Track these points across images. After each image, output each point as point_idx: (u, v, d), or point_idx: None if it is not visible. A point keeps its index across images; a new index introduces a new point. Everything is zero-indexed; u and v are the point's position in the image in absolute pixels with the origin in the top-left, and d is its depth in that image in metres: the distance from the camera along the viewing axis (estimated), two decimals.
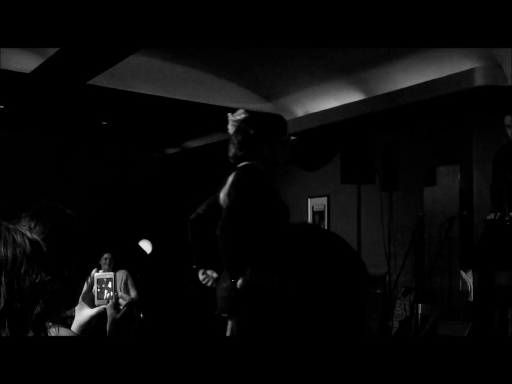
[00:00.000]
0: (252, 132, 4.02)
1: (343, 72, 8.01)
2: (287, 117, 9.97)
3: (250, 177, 3.95)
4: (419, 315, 6.86)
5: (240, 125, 4.13)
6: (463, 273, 7.22)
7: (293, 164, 9.96)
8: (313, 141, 9.72)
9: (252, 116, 4.27)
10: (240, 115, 4.24)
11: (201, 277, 4.08)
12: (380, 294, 8.24)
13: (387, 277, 8.31)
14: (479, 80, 6.84)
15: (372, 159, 8.04)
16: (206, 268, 4.09)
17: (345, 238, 1.50)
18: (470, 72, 6.93)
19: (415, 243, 6.89)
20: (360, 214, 8.22)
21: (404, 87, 7.45)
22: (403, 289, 7.61)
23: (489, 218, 5.90)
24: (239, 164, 4.10)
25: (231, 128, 4.22)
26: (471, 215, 7.24)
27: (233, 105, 9.07)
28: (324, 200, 10.67)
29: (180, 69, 8.22)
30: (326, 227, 10.35)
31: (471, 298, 7.06)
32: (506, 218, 5.72)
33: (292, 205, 10.68)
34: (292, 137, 10.59)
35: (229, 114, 4.27)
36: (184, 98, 8.67)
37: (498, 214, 5.83)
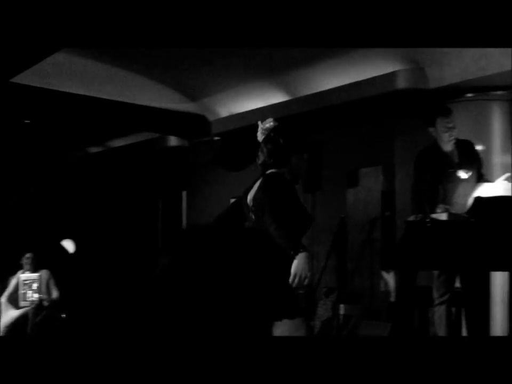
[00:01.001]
0: (281, 141, 4.16)
1: (268, 72, 7.95)
2: (211, 118, 9.96)
3: (278, 183, 4.10)
4: (341, 315, 6.82)
5: (270, 133, 4.28)
6: (384, 273, 7.21)
7: (216, 164, 9.88)
8: (237, 142, 9.66)
9: (281, 125, 4.39)
10: (269, 123, 4.38)
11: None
12: (302, 294, 8.18)
13: (310, 277, 8.25)
14: (401, 83, 6.84)
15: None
16: None
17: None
18: (393, 74, 6.93)
19: (337, 244, 6.86)
20: None
21: (327, 88, 7.41)
22: (325, 289, 7.59)
23: (410, 219, 5.87)
24: (267, 170, 4.26)
25: (260, 136, 4.36)
26: (393, 216, 7.24)
27: (157, 104, 8.93)
28: None
29: (104, 67, 8.05)
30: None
31: (393, 298, 7.05)
32: (427, 220, 5.69)
33: (215, 204, 10.72)
34: (216, 138, 10.52)
35: (259, 122, 4.41)
36: (108, 97, 8.51)
37: (420, 215, 5.80)
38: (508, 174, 6.10)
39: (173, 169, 11.53)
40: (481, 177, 6.05)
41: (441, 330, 6.01)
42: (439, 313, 6.04)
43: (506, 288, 6.12)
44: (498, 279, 5.92)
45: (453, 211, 5.68)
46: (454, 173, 5.92)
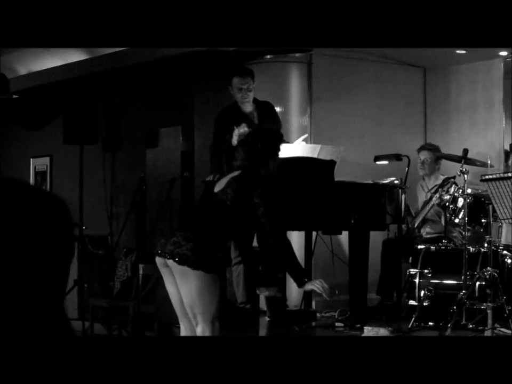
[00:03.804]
0: (260, 145, 4.18)
1: None
2: (10, 75, 9.28)
3: (257, 184, 4.09)
4: (140, 275, 6.57)
5: (247, 138, 4.38)
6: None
7: (14, 123, 9.28)
8: (35, 100, 9.15)
9: (259, 130, 4.75)
10: (244, 128, 4.92)
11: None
12: (102, 255, 7.89)
13: (109, 237, 7.98)
14: None
15: (94, 119, 7.64)
16: None
17: (67, 199, 1.42)
18: None
19: (136, 204, 6.55)
20: (82, 174, 7.82)
21: (124, 48, 7.01)
22: (125, 250, 7.33)
23: (208, 179, 5.69)
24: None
25: (235, 140, 4.71)
26: (192, 176, 7.08)
27: None
28: (46, 160, 10.13)
29: None
30: (48, 187, 9.87)
31: None
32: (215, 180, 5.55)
33: (14, 164, 10.10)
34: (14, 96, 9.81)
35: (235, 127, 4.92)
36: None
37: (217, 175, 5.63)
38: (305, 136, 6.07)
39: None
40: None
41: (239, 289, 5.93)
42: (236, 273, 5.95)
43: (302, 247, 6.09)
44: (294, 238, 5.84)
45: None
46: None
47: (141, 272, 6.61)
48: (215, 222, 4.06)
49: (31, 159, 10.40)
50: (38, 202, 1.35)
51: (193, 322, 4.02)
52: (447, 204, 5.62)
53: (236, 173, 4.16)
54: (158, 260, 4.03)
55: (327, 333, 5.29)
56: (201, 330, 3.98)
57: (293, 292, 6.16)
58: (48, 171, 10.07)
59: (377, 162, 6.57)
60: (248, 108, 5.96)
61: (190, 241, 3.91)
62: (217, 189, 4.15)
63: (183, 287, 3.93)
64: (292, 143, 5.93)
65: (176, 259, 3.86)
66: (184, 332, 4.16)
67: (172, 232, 4.12)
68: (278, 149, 4.28)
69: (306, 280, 4.02)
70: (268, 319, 5.67)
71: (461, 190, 5.47)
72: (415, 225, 6.42)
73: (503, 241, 6.04)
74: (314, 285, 3.99)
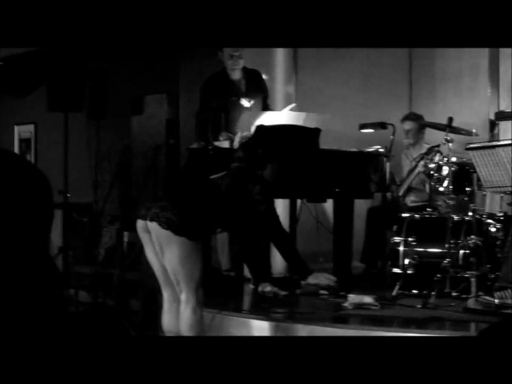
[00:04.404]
0: (260, 150, 4.25)
1: None
2: None
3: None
4: (125, 242, 6.55)
5: (249, 141, 4.52)
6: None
7: (0, 90, 9.19)
8: (20, 67, 9.04)
9: (260, 134, 4.84)
10: (246, 132, 5.06)
11: None
12: (86, 222, 7.86)
13: (94, 205, 7.93)
14: None
15: (79, 86, 7.53)
16: None
17: (52, 167, 1.26)
18: None
19: (121, 171, 6.50)
20: (67, 142, 7.74)
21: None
22: (109, 217, 7.29)
23: (193, 147, 5.64)
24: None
25: (237, 143, 4.83)
26: (177, 144, 7.03)
27: None
28: (30, 127, 10.08)
29: None
30: (32, 155, 9.82)
31: None
32: (209, 147, 5.49)
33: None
34: None
35: (238, 132, 5.12)
36: None
37: (202, 143, 5.59)
38: (293, 105, 6.00)
39: None
40: (266, 107, 5.97)
41: (224, 256, 5.93)
42: (221, 240, 5.95)
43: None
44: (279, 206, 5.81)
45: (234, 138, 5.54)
46: (238, 101, 5.76)
47: (125, 239, 6.60)
48: (205, 202, 4.03)
49: (15, 126, 10.32)
50: (18, 171, 1.37)
51: (177, 290, 3.99)
52: (431, 172, 5.59)
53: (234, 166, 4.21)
54: (140, 223, 3.97)
55: (311, 301, 5.29)
56: (185, 297, 3.95)
57: (277, 259, 6.15)
58: (33, 138, 10.00)
59: (362, 131, 6.53)
60: (236, 75, 5.91)
61: (176, 207, 3.88)
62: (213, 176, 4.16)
63: (165, 254, 3.89)
64: (277, 110, 5.90)
65: (161, 222, 3.81)
66: (167, 299, 4.14)
67: (158, 197, 4.09)
68: (278, 155, 4.35)
69: (308, 273, 4.13)
70: (252, 286, 5.66)
71: (445, 159, 5.45)
72: (400, 194, 6.40)
73: (487, 209, 6.04)
74: (320, 278, 4.10)
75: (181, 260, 3.86)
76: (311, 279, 4.11)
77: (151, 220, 3.86)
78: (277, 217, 4.12)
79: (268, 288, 4.69)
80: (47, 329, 1.33)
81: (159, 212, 3.84)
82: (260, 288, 4.65)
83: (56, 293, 1.35)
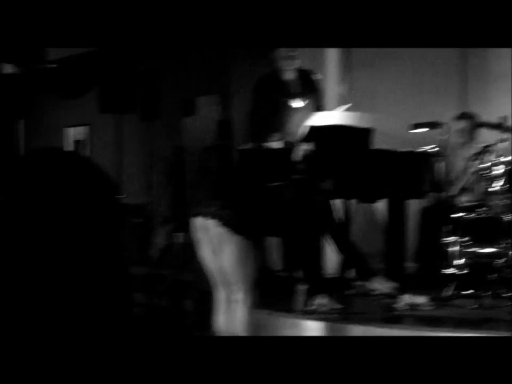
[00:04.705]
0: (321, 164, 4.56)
1: None
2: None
3: None
4: (179, 244, 6.61)
5: (311, 152, 4.74)
6: None
7: (51, 92, 9.32)
8: (73, 69, 9.16)
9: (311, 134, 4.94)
10: (309, 145, 4.99)
11: None
12: (140, 223, 7.95)
13: (148, 206, 8.02)
14: None
15: (132, 88, 7.62)
16: None
17: (107, 168, 1.47)
18: None
19: (173, 173, 6.56)
20: (121, 143, 7.85)
21: None
22: (162, 218, 7.36)
23: (243, 148, 5.66)
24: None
25: (299, 154, 4.80)
26: (230, 145, 7.05)
27: None
28: (85, 129, 10.23)
29: None
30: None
31: None
32: (262, 148, 5.51)
33: (48, 132, 10.16)
34: (51, 65, 9.84)
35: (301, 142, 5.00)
36: None
37: (255, 144, 5.61)
38: (349, 104, 5.96)
39: (8, 97, 10.78)
40: (319, 107, 5.92)
41: (276, 257, 5.92)
42: (274, 241, 5.93)
43: None
44: None
45: (288, 140, 5.52)
46: (291, 101, 5.74)
47: (181, 240, 6.64)
48: (266, 208, 4.06)
49: (69, 128, 10.48)
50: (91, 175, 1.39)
51: (234, 289, 4.01)
52: (485, 172, 5.53)
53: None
54: (198, 221, 4.00)
55: (363, 301, 5.27)
56: (241, 297, 3.97)
57: (330, 259, 6.14)
58: (88, 140, 10.14)
59: (415, 130, 6.48)
60: (290, 75, 5.88)
61: (235, 206, 3.92)
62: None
63: (222, 253, 3.91)
64: (330, 111, 5.87)
65: (220, 220, 3.84)
66: (222, 299, 4.15)
67: (216, 196, 4.12)
68: (330, 155, 4.50)
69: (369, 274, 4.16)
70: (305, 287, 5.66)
71: (499, 158, 5.38)
72: (453, 194, 6.34)
73: None
74: (382, 285, 4.15)
75: (238, 259, 3.88)
76: (373, 285, 4.13)
77: (211, 217, 3.89)
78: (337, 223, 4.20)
79: (324, 301, 4.66)
80: (112, 329, 1.36)
81: (218, 209, 3.87)
82: (316, 301, 4.62)
83: (125, 295, 1.38)
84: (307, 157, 4.40)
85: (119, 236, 1.40)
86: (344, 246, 4.16)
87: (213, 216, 3.87)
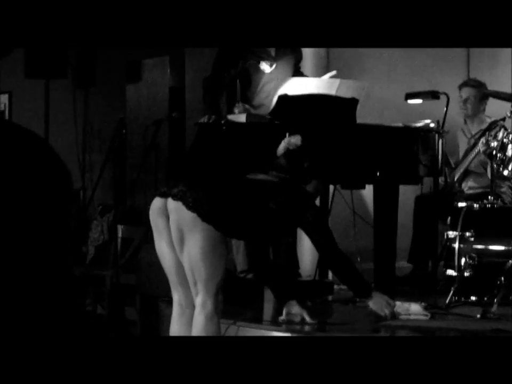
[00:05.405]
0: (306, 164, 4.50)
1: None
2: None
3: None
4: (119, 238, 6.58)
5: (297, 150, 4.61)
6: None
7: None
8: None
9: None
10: (296, 138, 4.81)
11: None
12: (72, 213, 7.90)
13: (81, 192, 7.96)
14: None
15: (62, 49, 7.59)
16: None
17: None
18: None
19: (114, 151, 6.52)
20: (48, 114, 7.80)
21: None
22: (100, 207, 7.33)
23: (202, 121, 5.63)
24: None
25: (282, 148, 4.69)
26: (182, 117, 7.05)
27: None
28: (4, 98, 10.28)
29: None
30: None
31: None
32: (222, 122, 5.48)
33: None
34: None
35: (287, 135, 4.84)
36: None
37: (213, 116, 5.58)
38: (333, 72, 5.94)
39: None
40: (297, 72, 5.91)
41: (239, 256, 5.92)
42: None
43: None
44: None
45: (254, 112, 5.52)
46: (257, 64, 5.72)
47: (119, 234, 6.62)
48: (244, 204, 4.09)
49: None
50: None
51: (193, 292, 3.97)
52: (494, 152, 5.56)
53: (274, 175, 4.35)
54: (157, 203, 3.96)
55: (345, 309, 5.29)
56: (201, 301, 3.92)
57: (306, 260, 6.15)
58: (7, 110, 10.10)
59: (409, 101, 6.51)
60: None
61: (206, 190, 3.91)
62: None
63: (185, 244, 3.87)
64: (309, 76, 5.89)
65: (187, 202, 3.80)
66: (178, 302, 4.12)
67: (182, 177, 4.14)
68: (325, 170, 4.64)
69: (370, 293, 4.43)
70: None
71: (511, 136, 5.42)
72: (455, 178, 6.39)
73: None
74: (383, 306, 4.40)
75: (203, 254, 3.85)
76: (371, 305, 4.32)
77: (175, 198, 3.84)
78: (330, 232, 4.37)
79: (294, 309, 4.66)
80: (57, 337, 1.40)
81: (186, 190, 3.84)
82: (285, 309, 4.62)
83: (72, 300, 1.40)
84: (290, 154, 4.49)
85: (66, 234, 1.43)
86: (343, 267, 4.35)
87: (179, 197, 3.84)
